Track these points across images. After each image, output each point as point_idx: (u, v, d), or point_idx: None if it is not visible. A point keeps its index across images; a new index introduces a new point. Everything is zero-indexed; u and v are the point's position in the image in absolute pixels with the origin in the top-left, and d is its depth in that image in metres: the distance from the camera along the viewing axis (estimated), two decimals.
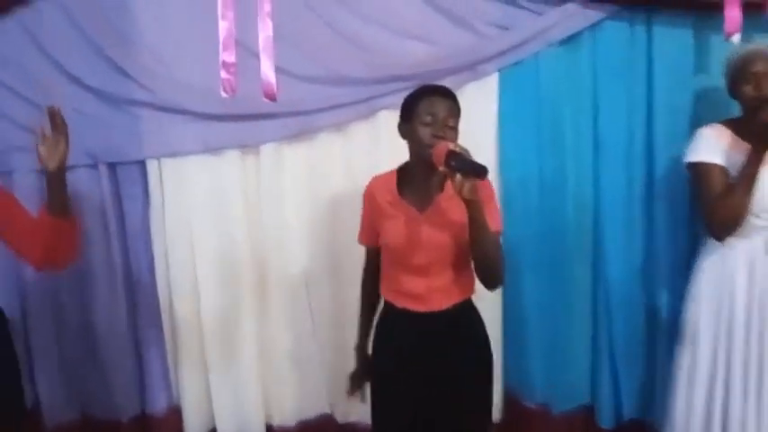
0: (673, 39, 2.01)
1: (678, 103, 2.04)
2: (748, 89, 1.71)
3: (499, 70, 2.07)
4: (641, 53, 2.05)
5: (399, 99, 2.01)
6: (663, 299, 2.11)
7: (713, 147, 1.76)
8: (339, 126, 2.13)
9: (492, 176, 2.05)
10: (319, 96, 2.09)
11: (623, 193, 2.13)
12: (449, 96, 1.49)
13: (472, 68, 2.05)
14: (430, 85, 1.56)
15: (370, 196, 1.61)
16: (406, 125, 1.52)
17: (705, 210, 1.75)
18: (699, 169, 1.77)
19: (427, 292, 1.55)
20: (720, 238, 1.75)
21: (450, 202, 1.48)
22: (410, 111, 1.50)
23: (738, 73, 1.74)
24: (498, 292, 2.17)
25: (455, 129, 1.48)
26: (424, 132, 1.45)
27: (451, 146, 1.35)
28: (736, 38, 1.74)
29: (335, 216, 2.17)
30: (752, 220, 1.71)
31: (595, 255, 2.19)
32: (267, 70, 2.05)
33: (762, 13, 1.82)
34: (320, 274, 2.23)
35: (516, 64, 2.06)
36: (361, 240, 1.69)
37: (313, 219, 2.19)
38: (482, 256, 1.47)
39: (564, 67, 2.06)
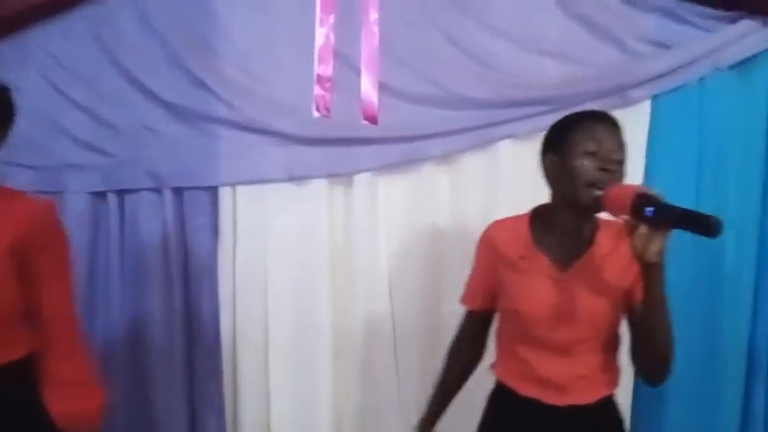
0: None
1: None
2: None
3: (653, 97, 1.70)
4: None
5: (525, 127, 1.72)
6: None
7: None
8: (448, 156, 1.78)
9: None
10: (428, 120, 1.75)
11: None
12: (616, 125, 1.17)
13: (619, 93, 1.69)
14: (594, 110, 1.23)
15: (490, 246, 1.24)
16: (555, 156, 1.17)
17: None
18: None
19: (569, 380, 1.19)
20: None
21: (605, 261, 1.17)
22: (564, 137, 1.16)
23: None
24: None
25: (623, 165, 1.15)
26: (586, 166, 1.11)
27: (639, 188, 1.04)
28: None
29: (438, 264, 1.81)
30: None
31: (754, 326, 1.80)
32: (369, 87, 1.75)
33: None
34: (413, 330, 1.85)
35: (674, 90, 1.69)
36: (468, 302, 1.33)
37: (410, 266, 1.82)
38: (655, 339, 1.13)
39: (734, 96, 1.70)
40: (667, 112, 1.70)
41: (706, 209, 1.68)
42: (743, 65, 1.68)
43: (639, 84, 1.67)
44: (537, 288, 1.17)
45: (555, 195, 1.21)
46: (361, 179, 1.78)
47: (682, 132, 1.70)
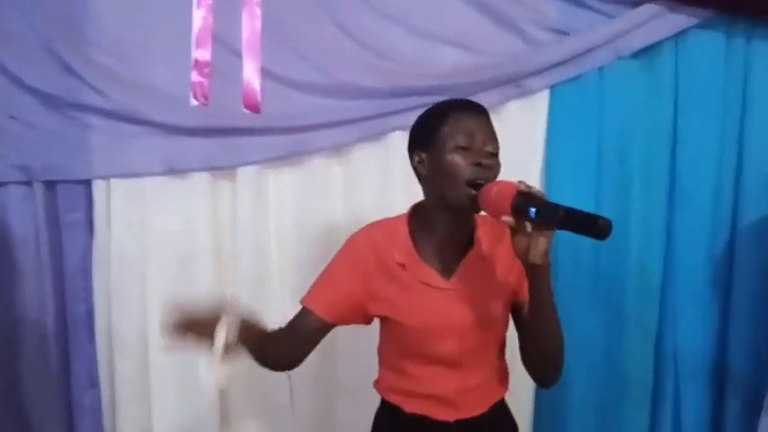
0: None
1: None
2: None
3: (551, 87, 1.61)
4: (737, 73, 1.60)
5: None
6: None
7: None
8: (339, 148, 1.67)
9: None
10: (316, 109, 1.64)
11: (702, 256, 1.67)
12: (485, 114, 1.07)
13: (516, 83, 1.59)
14: (459, 99, 1.12)
15: (367, 255, 1.12)
16: (423, 153, 1.07)
17: None
18: None
19: (458, 393, 1.11)
20: None
21: (486, 262, 1.09)
22: (431, 132, 1.05)
23: None
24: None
25: (498, 157, 1.05)
26: (459, 161, 1.01)
27: (519, 185, 0.94)
28: None
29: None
30: None
31: (661, 332, 1.72)
32: (251, 73, 1.61)
33: None
34: None
35: (574, 80, 1.60)
36: (317, 308, 1.13)
37: (300, 264, 1.71)
38: (545, 341, 1.05)
39: (636, 86, 1.61)
40: (566, 102, 1.61)
41: (607, 205, 1.63)
42: (646, 53, 1.59)
43: (536, 72, 1.58)
44: (422, 300, 1.08)
45: (428, 195, 1.11)
46: (246, 172, 1.67)
47: (581, 124, 1.61)
